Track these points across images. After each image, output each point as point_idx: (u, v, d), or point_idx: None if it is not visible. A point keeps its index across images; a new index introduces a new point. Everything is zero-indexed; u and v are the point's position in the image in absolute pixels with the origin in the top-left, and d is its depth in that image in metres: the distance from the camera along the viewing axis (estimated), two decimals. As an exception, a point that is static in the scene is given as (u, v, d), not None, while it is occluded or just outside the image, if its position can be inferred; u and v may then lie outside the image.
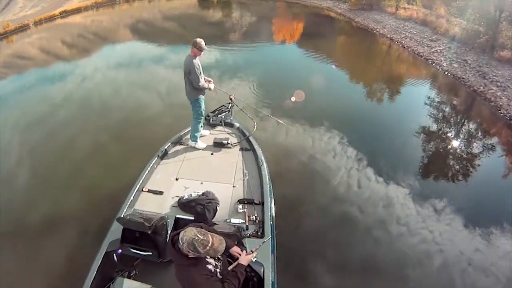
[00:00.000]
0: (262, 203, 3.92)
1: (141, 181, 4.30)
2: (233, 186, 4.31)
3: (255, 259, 2.79)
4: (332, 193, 5.59)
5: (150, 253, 3.32)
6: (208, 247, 2.23)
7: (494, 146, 7.40)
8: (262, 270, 3.02)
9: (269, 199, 3.92)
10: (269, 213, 3.72)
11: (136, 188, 4.16)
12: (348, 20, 21.00)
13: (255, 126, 5.53)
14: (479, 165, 6.58)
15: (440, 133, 7.96)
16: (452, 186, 5.78)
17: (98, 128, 8.32)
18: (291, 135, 7.43)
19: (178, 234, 2.33)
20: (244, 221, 3.65)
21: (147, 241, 3.30)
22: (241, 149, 5.09)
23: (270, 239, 3.34)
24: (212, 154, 5.03)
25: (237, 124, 5.69)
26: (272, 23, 22.77)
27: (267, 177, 4.31)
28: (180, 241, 2.24)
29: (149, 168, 4.56)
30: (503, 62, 11.29)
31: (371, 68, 13.12)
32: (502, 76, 10.44)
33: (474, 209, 4.95)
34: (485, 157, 6.94)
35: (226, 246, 2.60)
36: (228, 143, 5.14)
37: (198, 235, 2.23)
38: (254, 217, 3.69)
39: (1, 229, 5.26)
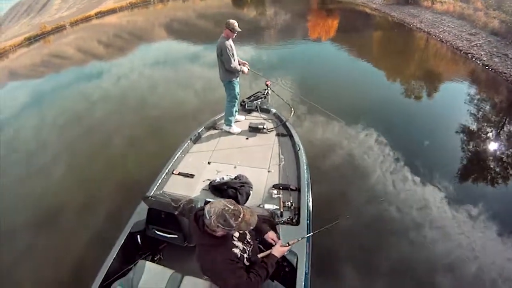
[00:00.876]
0: (298, 190, 3.73)
1: (171, 164, 4.20)
2: (268, 171, 4.18)
3: (287, 250, 2.58)
4: (368, 193, 5.48)
5: (176, 236, 3.19)
6: (240, 219, 2.00)
7: None
8: (296, 260, 2.81)
9: (306, 186, 3.72)
10: (306, 200, 3.52)
11: (166, 171, 4.06)
12: (384, 15, 20.92)
13: (293, 112, 5.44)
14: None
15: (480, 132, 7.67)
16: (490, 190, 5.58)
17: (134, 124, 8.56)
18: (328, 128, 7.46)
19: (202, 209, 2.11)
20: (278, 207, 3.48)
21: (173, 223, 3.16)
22: (278, 134, 4.93)
23: (307, 230, 3.14)
24: (247, 139, 4.88)
25: (273, 110, 5.55)
26: (307, 20, 22.95)
27: (305, 163, 4.13)
28: (207, 214, 2.01)
29: (180, 151, 4.46)
30: None
31: (409, 63, 13.09)
32: None
33: (510, 217, 4.75)
34: None
35: (260, 230, 2.62)
36: (264, 128, 5.00)
37: (228, 205, 2.02)
38: (289, 203, 3.51)
39: (39, 213, 5.76)
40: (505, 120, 8.46)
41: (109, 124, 8.55)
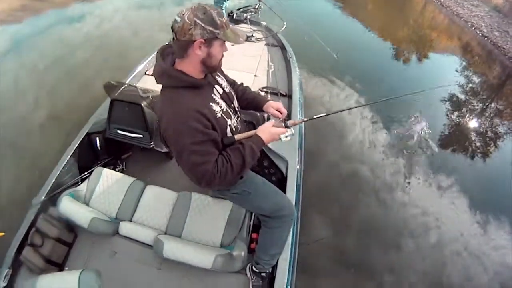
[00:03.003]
0: (289, 96, 3.47)
1: (144, 64, 3.79)
2: (255, 76, 3.90)
3: (286, 137, 1.67)
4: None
5: (141, 136, 2.73)
6: (225, 20, 1.38)
7: None
8: (286, 167, 2.46)
9: (298, 93, 3.42)
10: (298, 106, 3.22)
11: (137, 71, 3.64)
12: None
13: (285, 25, 4.95)
14: (500, 148, 5.81)
15: (469, 103, 7.11)
16: (466, 164, 5.20)
17: (116, 69, 7.25)
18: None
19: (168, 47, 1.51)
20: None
21: (138, 120, 2.69)
22: (267, 44, 4.68)
23: (299, 136, 2.82)
24: (232, 45, 4.06)
25: (263, 23, 5.23)
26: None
27: (297, 72, 3.88)
28: (178, 17, 1.34)
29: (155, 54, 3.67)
30: None
31: (406, 24, 11.98)
32: None
33: (482, 194, 4.49)
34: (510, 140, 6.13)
35: (257, 100, 1.92)
36: (252, 36, 4.73)
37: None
38: (280, 120, 2.68)
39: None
40: (497, 93, 7.98)
41: (90, 69, 7.42)
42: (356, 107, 5.28)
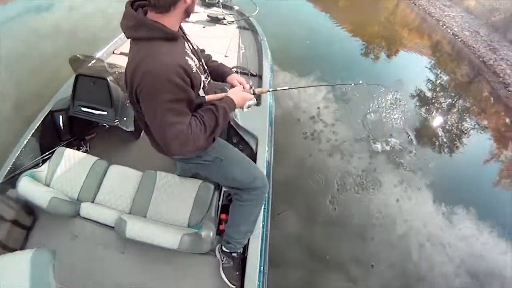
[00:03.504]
0: (259, 76, 3.43)
1: (112, 43, 3.68)
2: (225, 56, 3.82)
3: (248, 106, 1.69)
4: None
5: (105, 112, 2.64)
6: None
7: (487, 127, 6.58)
8: (256, 144, 2.44)
9: (269, 74, 3.43)
10: (268, 84, 3.24)
11: (105, 49, 3.53)
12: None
13: (257, 10, 4.86)
14: (465, 144, 5.76)
15: (437, 98, 7.06)
16: (430, 158, 5.05)
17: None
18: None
19: None
20: None
21: (104, 96, 2.60)
22: (239, 27, 4.64)
23: (269, 113, 2.77)
24: (203, 27, 4.47)
25: (236, 7, 5.17)
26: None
27: (268, 53, 3.88)
28: None
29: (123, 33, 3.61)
30: None
31: (377, 20, 11.74)
32: None
33: (446, 187, 4.47)
34: (475, 136, 6.11)
35: (222, 70, 1.86)
36: (223, 19, 4.62)
37: None
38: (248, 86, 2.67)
39: None
40: (465, 90, 7.88)
41: (59, 57, 6.62)
42: (318, 85, 5.44)
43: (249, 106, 1.69)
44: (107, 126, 2.81)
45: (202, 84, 1.49)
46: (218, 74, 1.85)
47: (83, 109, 2.64)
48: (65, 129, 2.73)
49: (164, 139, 1.32)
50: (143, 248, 1.89)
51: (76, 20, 9.29)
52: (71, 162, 2.27)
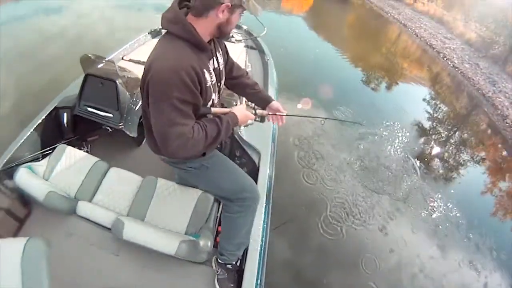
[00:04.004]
0: None
1: (122, 49, 3.68)
2: None
3: (246, 125, 1.86)
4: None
5: (111, 115, 2.61)
6: None
7: (484, 159, 6.66)
8: (258, 158, 2.47)
9: (274, 93, 3.49)
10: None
11: (114, 54, 3.52)
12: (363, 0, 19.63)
13: (265, 31, 4.76)
14: (462, 175, 5.79)
15: (437, 128, 7.13)
16: (426, 188, 5.01)
17: None
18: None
19: None
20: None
21: (111, 98, 2.58)
22: (246, 46, 4.61)
23: (272, 131, 2.83)
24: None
25: (244, 26, 5.17)
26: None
27: (274, 73, 3.98)
28: None
29: (135, 40, 3.99)
30: None
31: (378, 50, 11.93)
32: (511, 90, 9.80)
33: (440, 218, 4.37)
34: (471, 168, 6.16)
35: (263, 96, 1.90)
36: (232, 37, 4.53)
37: None
38: (252, 104, 2.81)
39: None
40: (464, 122, 8.05)
41: (61, 62, 6.96)
42: (316, 117, 5.10)
43: (246, 125, 1.80)
44: (110, 130, 2.80)
45: (211, 102, 1.51)
46: (263, 98, 1.89)
47: (89, 109, 2.62)
48: (68, 127, 2.71)
49: (165, 138, 1.32)
50: (138, 252, 1.85)
51: (83, 27, 9.47)
52: (71, 160, 2.23)
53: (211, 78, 1.46)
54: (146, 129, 1.59)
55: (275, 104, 1.84)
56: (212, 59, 1.50)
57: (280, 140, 4.33)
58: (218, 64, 1.56)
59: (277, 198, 2.75)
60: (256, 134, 2.56)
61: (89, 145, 2.85)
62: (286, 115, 1.84)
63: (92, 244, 1.92)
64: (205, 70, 1.39)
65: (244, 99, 2.75)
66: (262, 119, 1.86)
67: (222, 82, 1.66)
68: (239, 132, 2.52)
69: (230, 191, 1.75)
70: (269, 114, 1.84)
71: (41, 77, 6.27)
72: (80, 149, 2.54)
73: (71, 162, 2.22)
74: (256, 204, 1.82)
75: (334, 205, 3.86)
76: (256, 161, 2.44)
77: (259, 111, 1.77)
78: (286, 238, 3.39)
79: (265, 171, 2.37)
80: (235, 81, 1.86)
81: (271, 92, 3.43)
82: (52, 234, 1.92)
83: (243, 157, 2.51)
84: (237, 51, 4.30)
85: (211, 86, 1.46)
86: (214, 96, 1.53)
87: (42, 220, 2.01)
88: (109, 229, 1.91)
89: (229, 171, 1.79)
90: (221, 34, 1.41)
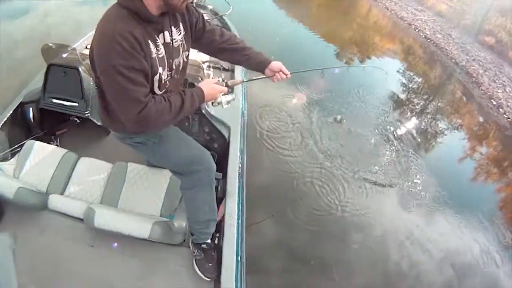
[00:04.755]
0: (232, 70, 3.44)
1: (85, 39, 3.59)
2: (198, 52, 3.64)
3: (227, 102, 1.68)
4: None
5: (76, 104, 2.61)
6: None
7: (461, 126, 6.65)
8: (228, 132, 2.47)
9: (240, 67, 3.30)
10: (241, 77, 3.12)
11: (77, 44, 3.37)
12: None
13: (231, 9, 4.70)
14: (440, 143, 5.84)
15: (412, 100, 7.00)
16: (407, 157, 4.96)
17: None
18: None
19: None
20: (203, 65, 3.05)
21: (75, 87, 2.57)
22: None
23: (242, 103, 2.86)
24: None
25: (210, 6, 5.06)
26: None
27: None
28: None
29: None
30: (486, 47, 10.72)
31: (349, 25, 11.66)
32: (484, 58, 9.76)
33: (422, 186, 4.41)
34: (449, 135, 6.16)
35: (260, 59, 1.72)
36: None
37: None
38: (220, 79, 2.72)
39: None
40: (439, 91, 8.02)
41: (30, 65, 6.77)
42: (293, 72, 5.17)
43: (228, 102, 1.66)
44: (78, 121, 2.80)
45: (157, 76, 1.38)
46: (257, 64, 1.74)
47: (54, 100, 2.57)
48: (35, 122, 2.65)
49: (124, 110, 1.28)
50: (114, 240, 1.82)
51: (50, 26, 9.12)
52: (40, 155, 2.18)
53: (158, 51, 1.36)
54: (99, 105, 1.52)
55: (275, 64, 1.70)
56: (162, 33, 1.39)
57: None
58: (172, 40, 1.43)
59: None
60: (225, 108, 2.48)
61: (58, 139, 2.81)
62: (262, 78, 1.80)
63: (66, 238, 1.89)
64: (149, 41, 1.30)
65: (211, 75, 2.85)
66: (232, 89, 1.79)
67: (178, 60, 1.52)
68: (207, 108, 2.49)
69: (181, 164, 1.70)
70: (243, 81, 1.87)
71: (10, 83, 6.13)
72: (50, 144, 2.50)
73: (40, 158, 2.18)
74: (211, 176, 1.74)
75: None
76: (226, 136, 2.44)
77: (230, 81, 1.68)
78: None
79: (236, 145, 2.38)
80: (228, 46, 1.70)
81: (239, 71, 3.37)
82: (25, 231, 1.87)
83: (212, 132, 2.51)
84: None
85: (157, 59, 1.36)
86: (162, 71, 1.40)
87: (15, 218, 1.96)
88: (82, 220, 1.87)
89: (178, 144, 1.70)
90: (170, 7, 1.31)
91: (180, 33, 1.50)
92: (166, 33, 1.41)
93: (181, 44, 1.51)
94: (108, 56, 1.20)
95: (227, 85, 1.64)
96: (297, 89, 5.38)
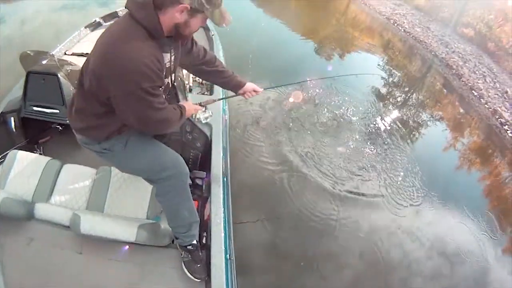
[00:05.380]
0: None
1: (64, 44, 3.69)
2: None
3: (206, 118, 1.96)
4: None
5: (57, 111, 2.61)
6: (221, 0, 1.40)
7: (443, 117, 6.64)
8: (210, 130, 2.51)
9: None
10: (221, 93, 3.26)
11: (57, 49, 3.52)
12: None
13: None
14: (424, 134, 5.82)
15: (393, 92, 7.01)
16: (393, 148, 4.98)
17: None
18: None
19: None
20: (187, 81, 3.08)
21: (54, 94, 2.57)
22: None
23: (223, 101, 2.83)
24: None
25: None
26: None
27: (220, 48, 3.99)
28: None
29: (73, 36, 4.05)
30: (465, 39, 10.70)
31: (329, 22, 11.59)
32: (464, 50, 9.73)
33: (408, 178, 4.42)
34: (432, 126, 6.18)
35: (237, 82, 1.97)
36: None
37: None
38: (198, 78, 3.16)
39: None
40: (421, 83, 7.98)
41: (10, 75, 6.56)
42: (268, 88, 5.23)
43: (206, 118, 1.94)
44: (60, 128, 2.78)
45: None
46: (234, 85, 1.98)
47: (35, 108, 2.57)
48: (17, 132, 2.65)
49: (146, 122, 1.40)
50: (101, 246, 1.82)
51: (28, 33, 8.80)
52: (24, 164, 2.16)
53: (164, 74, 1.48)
54: (76, 109, 1.53)
55: (249, 85, 1.98)
56: (167, 54, 1.47)
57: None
58: (170, 63, 1.53)
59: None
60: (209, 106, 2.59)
61: (42, 147, 2.80)
62: (235, 96, 2.05)
63: (54, 246, 1.87)
64: (160, 60, 1.37)
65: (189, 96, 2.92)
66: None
67: (172, 77, 1.65)
68: None
69: (150, 171, 1.70)
70: (214, 101, 2.03)
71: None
72: (33, 153, 2.48)
73: (24, 167, 2.16)
74: (184, 180, 1.73)
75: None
76: (208, 134, 2.46)
77: (203, 102, 1.93)
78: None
79: (219, 143, 2.40)
80: (208, 69, 1.88)
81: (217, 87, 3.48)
82: (13, 242, 1.86)
83: (194, 131, 2.50)
84: None
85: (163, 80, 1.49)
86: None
87: (1, 229, 1.92)
88: (69, 227, 1.85)
89: (145, 149, 1.69)
90: (179, 35, 1.40)
91: (175, 58, 1.56)
92: (169, 55, 1.49)
93: (173, 61, 1.57)
94: (136, 79, 1.24)
95: (200, 104, 1.88)
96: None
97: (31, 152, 2.49)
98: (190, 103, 1.78)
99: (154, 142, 1.75)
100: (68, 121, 2.41)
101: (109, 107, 1.37)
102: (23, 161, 2.19)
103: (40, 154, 2.66)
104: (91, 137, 1.58)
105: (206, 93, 3.13)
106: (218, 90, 2.99)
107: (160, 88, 1.37)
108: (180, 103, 1.65)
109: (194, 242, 1.81)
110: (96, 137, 1.56)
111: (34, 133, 2.81)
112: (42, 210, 1.96)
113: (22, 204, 1.92)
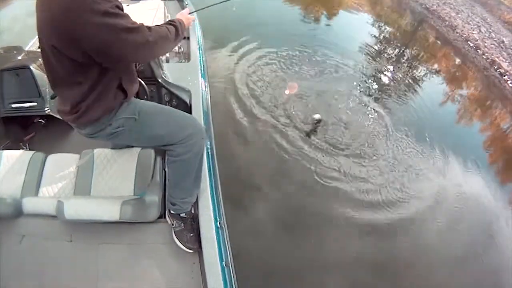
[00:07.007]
0: (187, 38, 3.44)
1: (35, 40, 3.51)
2: None
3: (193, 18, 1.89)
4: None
5: (35, 103, 2.57)
6: None
7: (439, 71, 6.44)
8: (189, 96, 2.47)
9: (197, 33, 3.53)
10: (197, 42, 3.32)
11: (30, 45, 3.44)
12: None
13: None
14: (421, 89, 5.67)
15: (387, 49, 6.70)
16: (391, 104, 5.02)
17: None
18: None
19: None
20: None
21: (30, 86, 2.53)
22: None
23: (200, 68, 2.84)
24: (127, 6, 4.20)
25: None
26: None
27: (197, 22, 3.87)
28: None
29: None
30: None
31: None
32: (455, 1, 9.42)
33: (407, 130, 4.45)
34: (428, 81, 5.99)
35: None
36: None
37: None
38: (177, 48, 3.23)
39: None
40: (414, 38, 7.72)
41: None
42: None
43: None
44: (43, 121, 2.83)
45: None
46: None
47: (14, 105, 2.58)
48: (0, 133, 2.68)
49: (123, 45, 1.22)
50: (90, 231, 1.82)
51: (7, 42, 8.83)
52: (10, 163, 2.16)
53: None
54: (65, 97, 1.46)
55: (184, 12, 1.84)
56: None
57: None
58: None
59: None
60: (183, 74, 2.62)
61: (27, 144, 2.82)
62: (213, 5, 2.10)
63: (45, 239, 1.88)
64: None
65: None
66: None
67: None
68: (164, 76, 2.51)
69: (170, 135, 1.62)
70: (194, 11, 2.04)
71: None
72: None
73: (10, 166, 2.16)
74: (203, 138, 1.71)
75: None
76: (188, 100, 2.46)
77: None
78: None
79: (199, 108, 2.40)
80: None
81: (194, 33, 3.49)
82: (5, 241, 1.87)
83: (173, 100, 2.53)
84: (154, 5, 4.23)
85: None
86: None
87: None
88: (56, 216, 1.85)
89: (161, 114, 1.67)
90: None
91: None
92: None
93: None
94: (91, 8, 1.14)
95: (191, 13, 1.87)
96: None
97: (17, 150, 2.49)
98: (185, 13, 1.74)
99: (163, 107, 1.74)
100: (48, 112, 2.56)
101: (92, 65, 1.28)
102: (9, 160, 2.18)
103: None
104: (100, 121, 1.47)
105: (183, 61, 3.12)
106: (196, 54, 3.01)
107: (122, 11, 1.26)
108: (177, 15, 1.65)
109: (189, 209, 1.80)
110: (104, 113, 1.45)
111: (18, 131, 2.83)
112: (29, 204, 1.94)
113: (10, 202, 1.91)
